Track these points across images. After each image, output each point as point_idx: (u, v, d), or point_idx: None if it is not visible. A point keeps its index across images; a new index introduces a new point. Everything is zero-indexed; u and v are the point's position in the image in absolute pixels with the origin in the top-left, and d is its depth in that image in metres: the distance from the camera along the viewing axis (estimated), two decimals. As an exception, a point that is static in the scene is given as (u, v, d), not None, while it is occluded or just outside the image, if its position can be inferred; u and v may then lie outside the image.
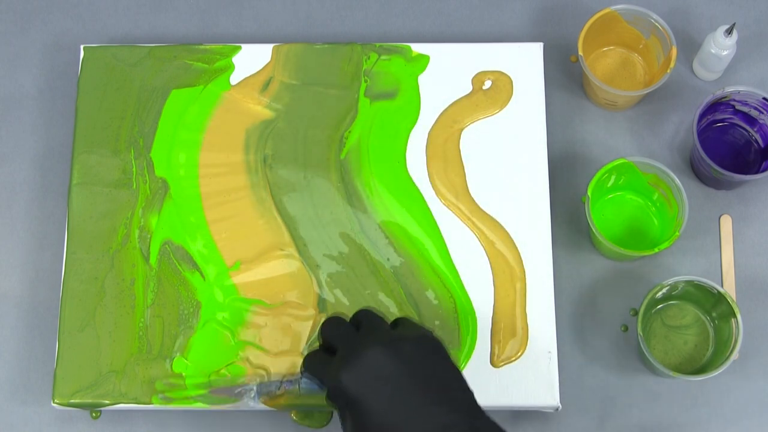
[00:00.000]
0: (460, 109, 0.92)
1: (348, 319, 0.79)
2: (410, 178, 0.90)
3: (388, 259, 0.88)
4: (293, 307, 0.86)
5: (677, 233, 0.85)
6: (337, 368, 0.73)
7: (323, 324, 0.78)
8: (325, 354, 0.77)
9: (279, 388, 0.84)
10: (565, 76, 0.96)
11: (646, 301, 0.84)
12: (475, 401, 0.73)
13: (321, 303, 0.86)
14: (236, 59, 0.93)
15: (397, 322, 0.78)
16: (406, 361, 0.72)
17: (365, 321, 0.77)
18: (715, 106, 0.90)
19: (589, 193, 0.86)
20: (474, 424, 0.70)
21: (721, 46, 0.91)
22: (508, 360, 0.85)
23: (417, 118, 0.91)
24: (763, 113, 0.89)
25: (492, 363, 0.85)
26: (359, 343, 0.74)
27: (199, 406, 0.85)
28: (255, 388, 0.84)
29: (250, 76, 0.93)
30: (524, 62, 0.93)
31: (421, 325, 0.78)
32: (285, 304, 0.86)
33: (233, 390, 0.84)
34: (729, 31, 0.90)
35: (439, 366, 0.74)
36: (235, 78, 0.93)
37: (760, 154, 0.91)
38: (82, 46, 0.94)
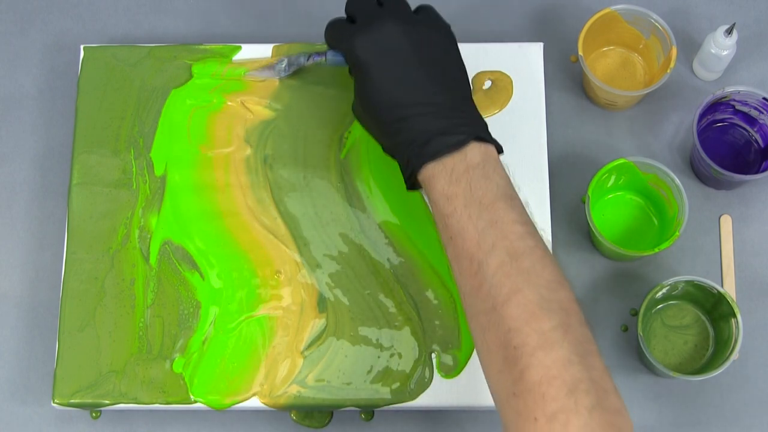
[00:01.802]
0: (460, 109, 0.92)
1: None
2: (410, 178, 0.90)
3: (388, 259, 0.88)
4: None
5: (677, 233, 0.85)
6: (353, 33, 0.78)
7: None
8: (346, 23, 0.81)
9: (308, 60, 0.87)
10: (565, 76, 0.96)
11: (646, 301, 0.84)
12: (470, 94, 0.79)
13: (321, 302, 0.86)
14: (236, 59, 0.93)
15: (421, 9, 0.81)
16: (417, 41, 0.77)
17: (389, 1, 0.80)
18: (715, 106, 0.90)
19: (589, 193, 0.86)
20: (460, 109, 0.76)
21: (721, 46, 0.91)
22: (508, 360, 0.85)
23: (417, 118, 0.91)
24: (763, 113, 0.89)
25: (492, 363, 0.85)
26: (379, 16, 0.78)
27: (200, 405, 0.85)
28: (286, 59, 0.89)
29: (250, 76, 0.93)
30: (524, 62, 0.93)
31: (442, 19, 0.81)
32: None
33: (265, 69, 0.90)
34: (729, 31, 0.90)
35: (446, 55, 0.79)
36: (235, 78, 0.93)
37: (760, 154, 0.91)
38: (82, 46, 0.94)
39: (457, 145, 0.74)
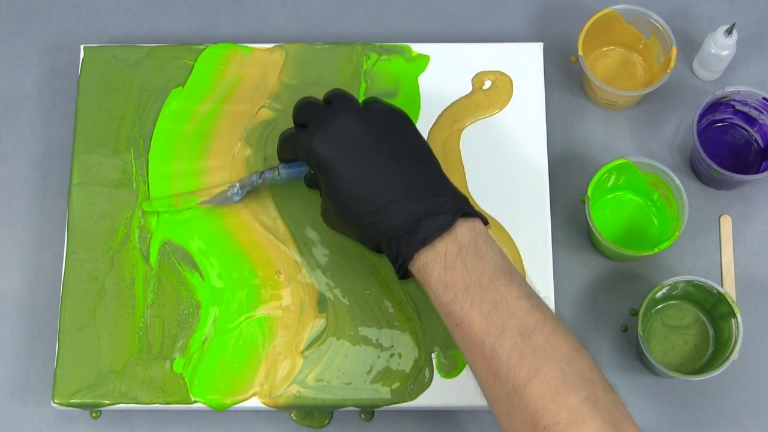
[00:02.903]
0: (460, 108, 0.92)
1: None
2: (410, 178, 0.90)
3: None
4: None
5: (677, 233, 0.85)
6: (309, 135, 0.76)
7: (295, 106, 0.80)
8: (298, 131, 0.79)
9: (260, 177, 0.86)
10: (565, 76, 0.96)
11: (646, 301, 0.84)
12: (441, 169, 0.77)
13: (321, 302, 0.86)
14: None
15: (367, 101, 0.80)
16: (375, 127, 0.76)
17: (336, 98, 0.79)
18: (715, 106, 0.90)
19: (589, 193, 0.86)
20: (437, 186, 0.75)
21: (721, 46, 0.91)
22: (508, 360, 0.85)
23: (417, 118, 0.91)
24: (763, 113, 0.89)
25: (492, 363, 0.85)
26: (330, 113, 0.77)
27: (200, 405, 0.85)
28: (237, 183, 0.87)
29: (250, 76, 0.93)
30: (524, 62, 0.93)
31: (392, 105, 0.80)
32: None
33: (217, 196, 0.87)
34: (729, 31, 0.90)
35: (406, 134, 0.78)
36: (235, 78, 0.93)
37: (760, 154, 0.91)
38: (82, 46, 0.94)
39: (446, 226, 0.72)
